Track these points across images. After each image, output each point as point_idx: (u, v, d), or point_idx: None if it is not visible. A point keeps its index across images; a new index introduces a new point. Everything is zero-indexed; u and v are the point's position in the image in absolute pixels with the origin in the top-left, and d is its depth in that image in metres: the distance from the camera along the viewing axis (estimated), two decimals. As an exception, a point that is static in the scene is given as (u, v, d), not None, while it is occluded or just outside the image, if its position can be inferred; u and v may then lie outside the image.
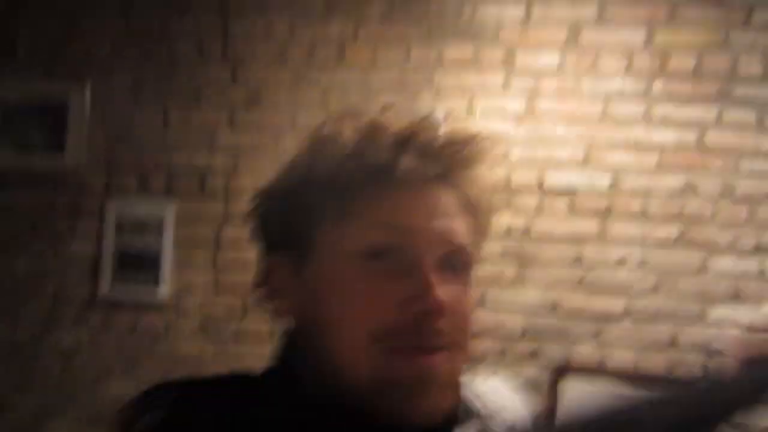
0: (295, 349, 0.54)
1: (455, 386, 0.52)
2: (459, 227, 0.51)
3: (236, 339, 2.04)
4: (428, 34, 1.95)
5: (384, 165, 0.49)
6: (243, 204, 2.08)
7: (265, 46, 2.04)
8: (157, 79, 2.07)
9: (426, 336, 0.48)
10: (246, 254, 2.03)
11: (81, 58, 2.10)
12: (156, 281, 2.06)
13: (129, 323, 2.08)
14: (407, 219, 0.50)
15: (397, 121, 0.52)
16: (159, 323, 2.07)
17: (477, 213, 0.53)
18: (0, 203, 2.14)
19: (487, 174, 0.53)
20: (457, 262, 0.51)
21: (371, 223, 0.49)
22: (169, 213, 2.06)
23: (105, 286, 2.08)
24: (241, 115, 2.05)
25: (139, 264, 2.07)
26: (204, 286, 2.06)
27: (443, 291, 0.48)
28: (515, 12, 1.94)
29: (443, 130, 0.52)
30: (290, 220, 0.52)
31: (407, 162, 0.50)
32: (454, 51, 1.96)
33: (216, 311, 2.05)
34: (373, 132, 0.51)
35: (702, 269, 1.90)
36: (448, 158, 0.51)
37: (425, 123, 0.52)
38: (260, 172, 2.03)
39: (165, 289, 2.05)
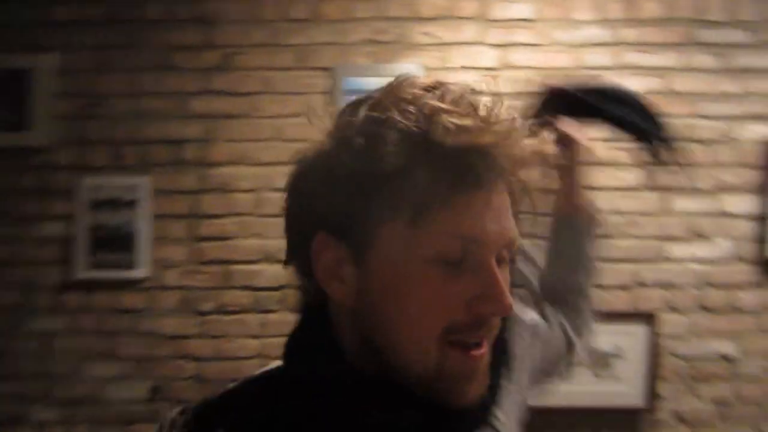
0: (337, 332, 0.54)
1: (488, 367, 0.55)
2: (512, 224, 0.53)
3: (219, 311, 2.00)
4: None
5: (460, 169, 0.49)
6: (220, 174, 2.03)
7: (237, 6, 1.96)
8: (125, 45, 1.97)
9: (485, 330, 0.51)
10: (225, 225, 2.00)
11: (43, 28, 1.97)
12: (133, 258, 1.99)
13: (108, 303, 2.01)
14: (478, 227, 0.50)
15: (455, 104, 0.50)
16: (139, 301, 2.01)
17: (521, 205, 0.55)
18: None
19: (534, 169, 0.54)
20: (506, 254, 0.53)
21: (444, 233, 0.49)
22: (144, 187, 1.98)
23: (81, 267, 1.99)
24: (214, 80, 1.98)
25: (116, 242, 1.99)
26: (183, 260, 2.00)
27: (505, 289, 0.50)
28: (488, -36, 1.95)
29: (513, 131, 0.51)
30: (353, 209, 0.50)
31: (480, 164, 0.49)
32: (429, 5, 1.94)
33: (197, 285, 2.00)
34: (456, 131, 0.49)
35: (663, 210, 1.98)
36: (509, 158, 0.51)
37: (492, 118, 0.50)
38: (237, 140, 1.98)
39: (143, 266, 1.98)
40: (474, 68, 1.95)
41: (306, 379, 0.52)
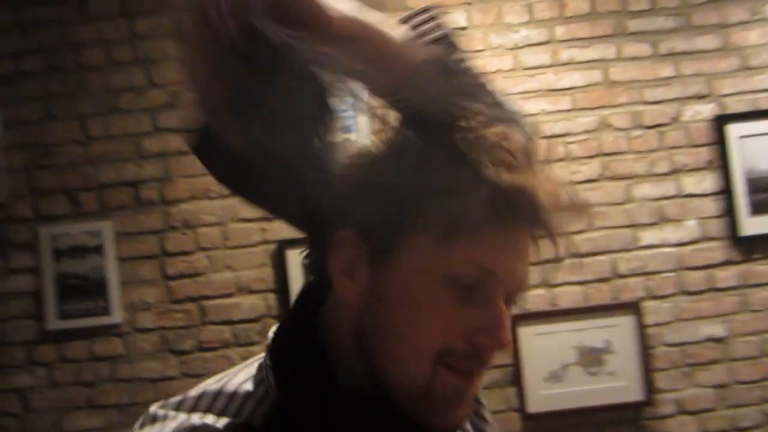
0: (330, 334, 0.54)
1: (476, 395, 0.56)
2: (529, 269, 0.53)
3: (199, 349, 1.91)
4: (337, 10, 1.89)
5: (503, 205, 0.49)
6: (183, 211, 1.96)
7: (175, 43, 1.92)
8: (69, 92, 1.95)
9: (480, 363, 0.51)
10: (194, 261, 1.94)
11: None
12: (105, 304, 1.94)
13: (84, 352, 1.95)
14: (501, 262, 0.50)
15: (512, 143, 0.51)
16: (116, 346, 1.95)
17: (540, 253, 0.55)
18: None
19: (565, 228, 0.53)
20: (515, 298, 0.54)
21: (468, 259, 0.49)
22: (107, 231, 1.94)
23: (52, 318, 1.93)
24: (164, 118, 1.94)
25: (85, 289, 1.95)
26: (156, 301, 1.94)
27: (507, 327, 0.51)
28: (417, -22, 1.92)
29: (554, 179, 0.51)
30: (387, 214, 0.50)
31: (523, 206, 0.49)
32: None
33: (173, 324, 1.92)
34: (506, 169, 0.49)
35: (627, 198, 1.91)
36: (550, 207, 0.51)
37: (544, 166, 0.51)
38: (196, 174, 1.93)
39: (116, 311, 1.92)
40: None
41: (289, 396, 0.51)
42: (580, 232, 1.90)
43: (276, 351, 0.54)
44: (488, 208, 0.48)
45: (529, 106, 1.91)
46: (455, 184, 0.49)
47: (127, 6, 1.95)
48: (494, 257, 0.50)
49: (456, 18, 1.92)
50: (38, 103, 1.94)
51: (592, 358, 1.87)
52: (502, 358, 1.87)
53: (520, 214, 0.49)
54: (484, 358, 0.51)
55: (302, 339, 0.53)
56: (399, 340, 0.50)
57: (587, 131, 1.92)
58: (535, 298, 1.89)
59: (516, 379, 1.85)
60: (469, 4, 1.92)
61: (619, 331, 1.88)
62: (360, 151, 0.53)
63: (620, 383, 1.87)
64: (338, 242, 0.52)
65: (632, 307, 1.88)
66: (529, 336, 1.86)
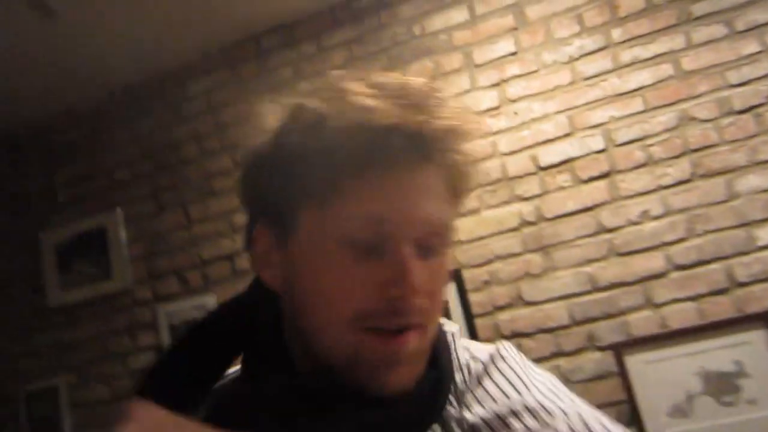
0: (279, 320, 0.54)
1: (423, 358, 0.51)
2: (439, 208, 0.49)
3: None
4: (389, 63, 2.03)
5: (372, 147, 0.46)
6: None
7: (252, 126, 2.14)
8: (173, 185, 2.23)
9: (401, 317, 0.48)
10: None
11: (108, 188, 2.30)
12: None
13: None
14: (389, 208, 0.47)
15: (386, 93, 0.48)
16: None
17: (457, 190, 0.51)
18: (72, 338, 2.26)
19: (471, 152, 0.50)
20: (434, 241, 0.49)
21: (353, 215, 0.47)
22: (211, 303, 2.11)
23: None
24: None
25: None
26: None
27: (419, 273, 0.47)
28: (460, 14, 2.00)
29: (434, 109, 0.48)
30: (276, 196, 0.51)
31: (396, 143, 0.46)
32: (417, 69, 2.00)
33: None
34: (363, 110, 0.46)
35: (731, 194, 1.67)
36: (436, 140, 0.48)
37: (416, 100, 0.48)
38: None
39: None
40: (478, 113, 1.91)
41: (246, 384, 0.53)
42: (680, 241, 1.70)
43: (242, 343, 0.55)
44: (347, 156, 0.46)
45: (596, 116, 1.80)
46: (310, 145, 0.48)
47: (212, 101, 2.23)
48: (382, 203, 0.47)
49: (505, 45, 1.91)
50: (150, 199, 2.24)
51: (722, 385, 1.58)
52: (611, 394, 1.67)
53: (385, 150, 0.46)
54: (403, 310, 0.47)
55: (264, 335, 0.54)
56: (317, 312, 0.49)
57: (667, 130, 1.74)
58: (639, 322, 1.68)
59: (634, 417, 1.63)
60: (515, 29, 1.91)
61: (750, 350, 1.58)
62: (247, 154, 0.54)
63: (765, 412, 1.55)
64: (254, 240, 0.53)
65: (762, 319, 1.59)
66: (639, 365, 1.64)
